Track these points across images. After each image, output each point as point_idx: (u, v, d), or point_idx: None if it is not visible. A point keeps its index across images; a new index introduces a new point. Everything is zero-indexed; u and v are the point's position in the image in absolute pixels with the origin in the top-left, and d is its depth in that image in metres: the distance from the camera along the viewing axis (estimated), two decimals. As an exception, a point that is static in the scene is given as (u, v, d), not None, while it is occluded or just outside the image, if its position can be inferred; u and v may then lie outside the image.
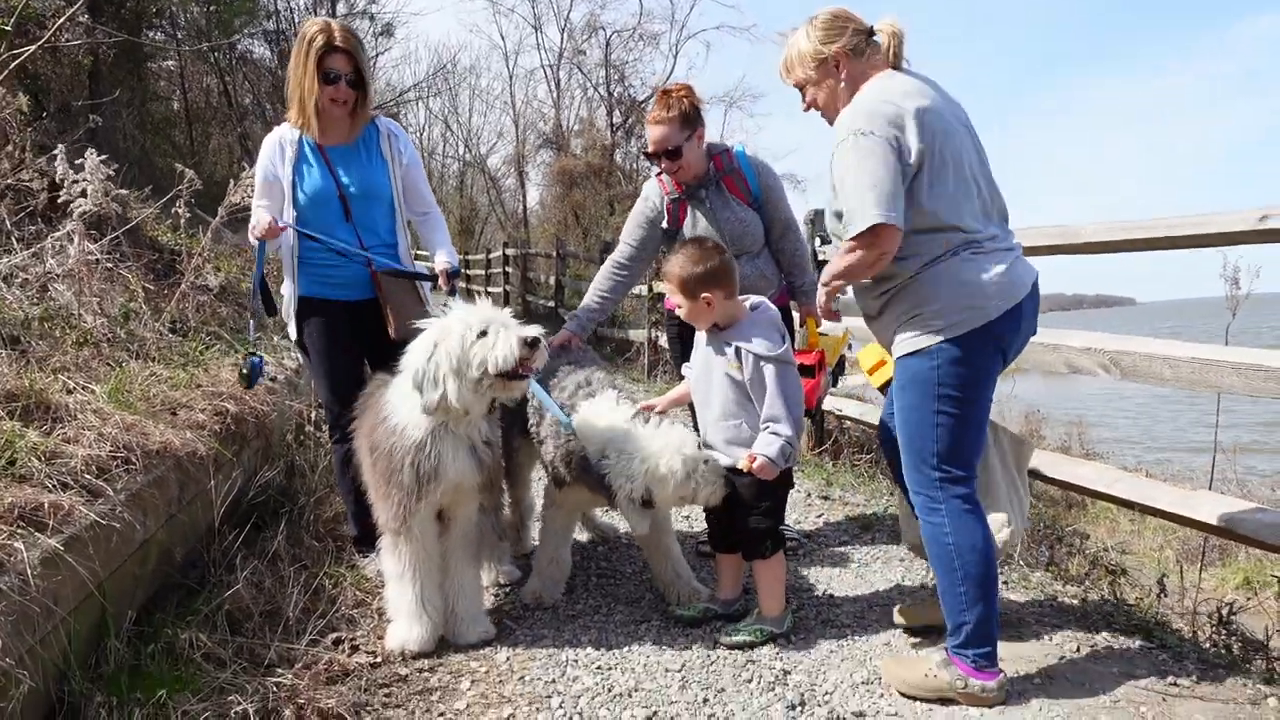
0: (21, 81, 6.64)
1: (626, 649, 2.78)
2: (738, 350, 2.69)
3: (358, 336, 3.26)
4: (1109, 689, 2.47)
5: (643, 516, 2.72)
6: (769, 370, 2.66)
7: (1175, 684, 2.49)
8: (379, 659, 2.68)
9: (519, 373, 2.55)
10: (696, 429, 2.86)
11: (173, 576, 2.90)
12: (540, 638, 2.88)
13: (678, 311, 2.86)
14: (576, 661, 2.70)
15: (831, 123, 2.44)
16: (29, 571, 2.00)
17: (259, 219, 3.07)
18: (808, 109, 2.55)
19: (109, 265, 4.35)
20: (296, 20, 18.29)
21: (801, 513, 4.33)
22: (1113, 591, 3.27)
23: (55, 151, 4.30)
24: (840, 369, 3.24)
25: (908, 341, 2.38)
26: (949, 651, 2.42)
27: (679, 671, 2.62)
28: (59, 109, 7.90)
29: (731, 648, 2.76)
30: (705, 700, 2.46)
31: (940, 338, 2.31)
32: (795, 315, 3.56)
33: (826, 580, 3.38)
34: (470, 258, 22.30)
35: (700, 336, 2.86)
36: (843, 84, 2.44)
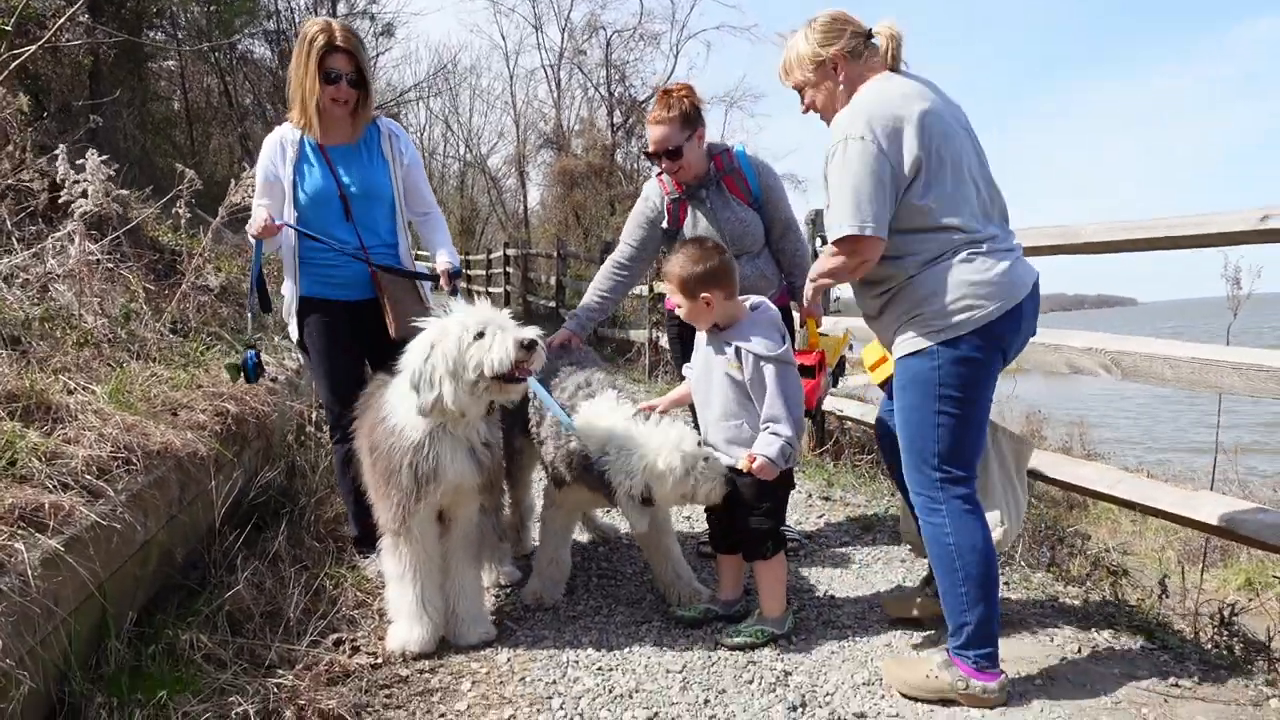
0: (22, 81, 6.64)
1: (627, 650, 2.78)
2: (738, 350, 2.69)
3: (358, 336, 3.26)
4: (1110, 690, 2.47)
5: (642, 514, 2.72)
6: (769, 370, 2.66)
7: (1177, 685, 2.49)
8: (380, 660, 2.68)
9: (515, 376, 2.54)
10: (698, 429, 2.86)
11: (173, 577, 2.89)
12: (541, 639, 2.88)
13: (678, 311, 2.86)
14: (577, 662, 2.70)
15: (830, 124, 2.45)
16: (29, 572, 2.00)
17: (256, 217, 3.07)
18: (806, 111, 2.57)
19: (110, 265, 4.35)
20: (297, 20, 18.28)
21: (802, 513, 4.33)
22: (1114, 592, 3.27)
23: (56, 152, 4.30)
24: (841, 370, 3.23)
25: (908, 341, 2.38)
26: (950, 652, 2.42)
27: (680, 672, 2.62)
28: (59, 109, 7.90)
29: (732, 649, 2.76)
30: (706, 701, 2.45)
31: (941, 338, 2.31)
32: (795, 315, 3.55)
33: (828, 581, 3.37)
34: (471, 258, 22.32)
35: (701, 337, 2.86)
36: (841, 86, 2.45)
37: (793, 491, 3.06)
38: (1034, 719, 2.33)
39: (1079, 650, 2.71)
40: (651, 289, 9.17)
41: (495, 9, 35.63)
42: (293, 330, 3.30)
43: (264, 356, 3.38)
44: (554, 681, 2.58)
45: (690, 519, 4.14)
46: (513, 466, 3.41)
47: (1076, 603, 3.14)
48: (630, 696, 2.49)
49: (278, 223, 3.08)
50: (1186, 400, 14.31)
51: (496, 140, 32.24)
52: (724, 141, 3.48)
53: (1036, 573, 3.47)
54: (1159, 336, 3.11)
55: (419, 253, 3.69)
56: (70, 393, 2.93)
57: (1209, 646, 2.83)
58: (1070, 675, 2.55)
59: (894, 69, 2.46)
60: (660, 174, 3.40)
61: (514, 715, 2.40)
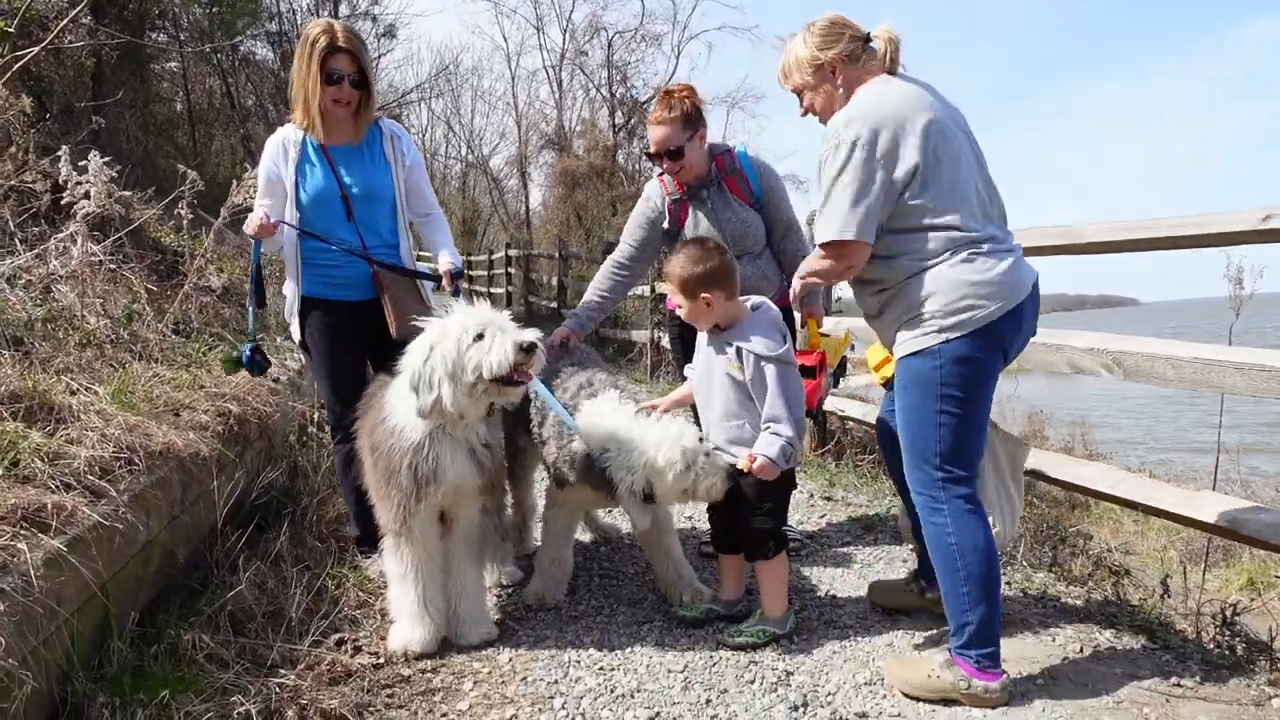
0: (25, 83, 6.64)
1: (629, 650, 2.78)
2: (738, 350, 2.69)
3: (360, 337, 3.27)
4: (1112, 690, 2.46)
5: (645, 511, 2.72)
6: (770, 370, 2.66)
7: (1179, 685, 2.49)
8: (382, 660, 2.68)
9: (514, 379, 2.54)
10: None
11: (175, 577, 2.90)
12: (543, 638, 2.88)
13: (678, 312, 2.87)
14: (579, 662, 2.70)
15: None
16: (32, 572, 2.01)
17: (253, 216, 3.08)
18: (805, 114, 2.60)
19: (112, 266, 4.35)
20: (299, 22, 18.32)
21: (804, 513, 4.32)
22: (1116, 592, 3.27)
23: (58, 153, 4.31)
24: (842, 370, 3.24)
25: (910, 341, 2.38)
26: (952, 652, 2.42)
27: (682, 672, 2.62)
28: (62, 110, 7.91)
29: (734, 649, 2.76)
30: (708, 701, 2.46)
31: (943, 337, 2.31)
32: (797, 316, 3.56)
33: (829, 581, 3.37)
34: (473, 259, 22.33)
35: (702, 337, 2.86)
36: (839, 89, 2.48)
37: (794, 491, 3.06)
38: (1036, 719, 2.33)
39: (1081, 650, 2.71)
40: (653, 289, 9.18)
41: (497, 10, 35.72)
42: (294, 330, 3.30)
43: (267, 351, 3.38)
44: (556, 681, 2.58)
45: (692, 519, 4.14)
46: (515, 466, 3.41)
47: (1078, 602, 3.13)
48: (632, 696, 2.49)
49: (273, 220, 3.08)
50: (1188, 400, 14.29)
51: (498, 141, 32.30)
52: (725, 142, 3.48)
53: (1038, 572, 3.47)
54: (1161, 336, 3.11)
55: (421, 253, 3.69)
56: (73, 393, 2.94)
57: (1211, 646, 2.83)
58: (1072, 675, 2.55)
59: (892, 72, 2.47)
60: (662, 174, 3.40)
61: (516, 715, 2.40)
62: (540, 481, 3.65)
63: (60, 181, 4.28)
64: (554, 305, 14.04)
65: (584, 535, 3.86)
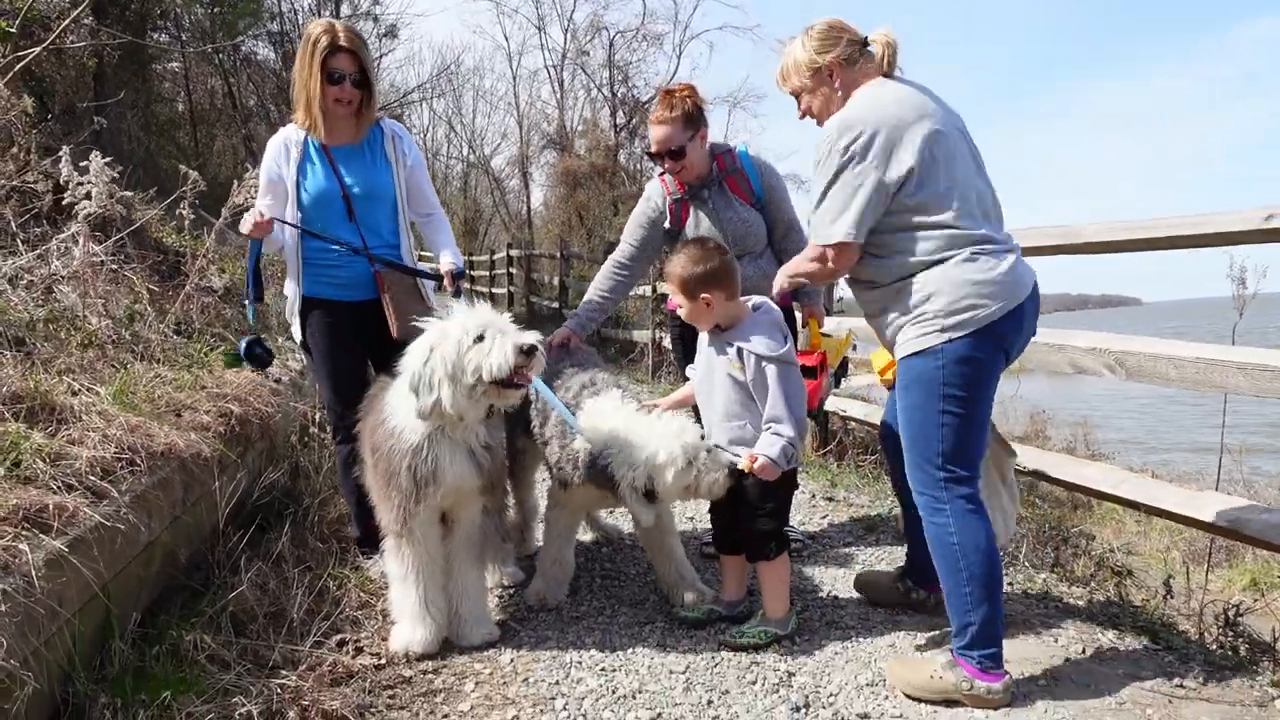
0: (26, 83, 6.65)
1: (631, 651, 2.78)
2: (739, 350, 2.69)
3: (360, 337, 3.27)
4: (1114, 690, 2.46)
5: (647, 507, 2.72)
6: (771, 370, 2.65)
7: (1181, 686, 2.48)
8: (383, 661, 2.68)
9: (514, 381, 2.54)
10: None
11: (177, 578, 2.90)
12: (544, 639, 2.88)
13: (679, 312, 2.86)
14: (581, 663, 2.70)
15: None
16: (34, 573, 2.01)
17: (249, 215, 3.08)
18: (803, 116, 2.62)
19: (114, 267, 4.36)
20: (300, 22, 18.34)
21: (806, 514, 4.32)
22: (1118, 593, 3.26)
23: (60, 153, 4.30)
24: (843, 370, 3.23)
25: (911, 341, 2.38)
26: (954, 653, 2.41)
27: (683, 673, 2.62)
28: (64, 111, 7.92)
29: (736, 649, 2.75)
30: (709, 702, 2.45)
31: (945, 337, 2.31)
32: (798, 316, 3.55)
33: (831, 582, 3.37)
34: (474, 259, 22.35)
35: (703, 337, 2.85)
36: (837, 92, 2.50)
37: (796, 492, 3.06)
38: (1038, 720, 2.33)
39: (1083, 651, 2.71)
40: (654, 289, 9.18)
41: (498, 10, 35.88)
42: (295, 331, 3.30)
43: (269, 345, 3.37)
44: (557, 682, 2.58)
45: (694, 519, 4.14)
46: (516, 467, 3.41)
47: (1081, 603, 3.13)
48: (633, 697, 2.48)
49: (268, 217, 3.08)
50: (1191, 401, 14.28)
51: (500, 141, 32.36)
52: (726, 142, 3.48)
53: (1041, 573, 3.47)
54: (1163, 336, 3.11)
55: (422, 253, 3.69)
56: (74, 394, 2.94)
57: (1214, 647, 2.82)
58: (1074, 676, 2.55)
59: (889, 76, 2.48)
60: (663, 174, 3.40)
61: (517, 716, 2.40)
62: (542, 482, 3.65)
63: (62, 182, 4.28)
64: (555, 305, 14.05)
65: (586, 536, 3.85)
